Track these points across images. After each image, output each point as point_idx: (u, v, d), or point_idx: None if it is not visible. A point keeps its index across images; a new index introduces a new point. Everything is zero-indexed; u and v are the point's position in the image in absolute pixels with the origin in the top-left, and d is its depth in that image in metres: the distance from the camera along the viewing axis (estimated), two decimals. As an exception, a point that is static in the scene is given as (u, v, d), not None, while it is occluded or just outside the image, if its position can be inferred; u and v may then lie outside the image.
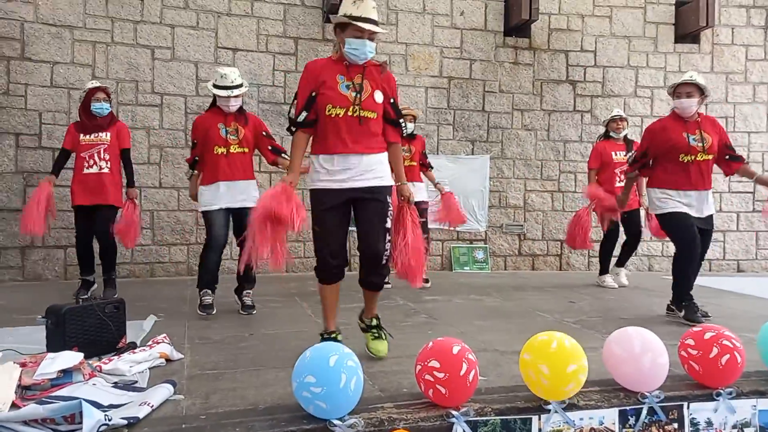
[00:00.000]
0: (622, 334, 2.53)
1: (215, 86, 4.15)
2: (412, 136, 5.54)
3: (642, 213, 5.70)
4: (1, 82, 5.84)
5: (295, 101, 2.95)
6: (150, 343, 3.01)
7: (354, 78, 2.88)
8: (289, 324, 3.90)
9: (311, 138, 2.97)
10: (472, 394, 2.26)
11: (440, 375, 2.17)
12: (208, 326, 3.77)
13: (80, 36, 6.09)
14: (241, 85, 4.18)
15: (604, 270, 6.00)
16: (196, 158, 4.29)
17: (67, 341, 2.78)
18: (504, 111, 7.36)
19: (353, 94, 2.85)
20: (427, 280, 5.53)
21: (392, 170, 3.04)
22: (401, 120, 3.05)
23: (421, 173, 5.67)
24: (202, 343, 3.32)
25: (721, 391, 2.47)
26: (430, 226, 6.37)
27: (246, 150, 4.22)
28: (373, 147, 2.92)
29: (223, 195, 4.13)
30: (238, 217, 4.13)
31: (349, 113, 2.84)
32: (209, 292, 4.19)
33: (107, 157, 4.78)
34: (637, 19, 7.61)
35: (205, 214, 4.21)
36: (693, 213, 4.02)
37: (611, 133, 5.86)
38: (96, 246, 4.88)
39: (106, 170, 4.76)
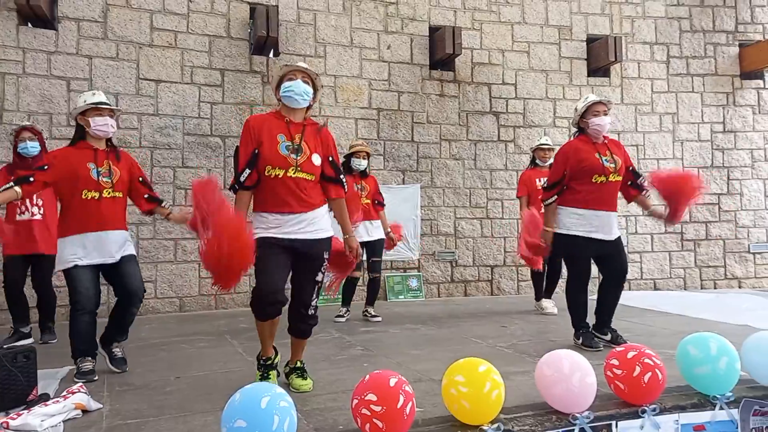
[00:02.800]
0: (552, 357, 2.59)
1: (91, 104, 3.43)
2: (365, 174, 5.48)
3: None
4: None
5: (237, 160, 2.95)
6: (64, 393, 2.78)
7: (294, 137, 2.94)
8: (219, 364, 3.74)
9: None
10: (410, 427, 2.23)
11: (377, 408, 2.13)
12: (130, 371, 3.54)
13: (-11, 67, 5.75)
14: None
15: (539, 295, 6.01)
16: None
17: (-32, 397, 2.53)
18: (432, 141, 7.54)
19: (293, 156, 2.90)
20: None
21: (340, 223, 3.15)
22: (341, 176, 3.11)
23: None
24: (124, 390, 3.11)
25: (646, 408, 2.56)
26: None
27: (120, 195, 3.52)
28: (312, 204, 2.97)
29: (92, 248, 3.39)
30: (116, 272, 3.50)
31: (289, 174, 2.90)
32: (89, 358, 3.43)
33: (40, 202, 4.50)
34: (552, 54, 8.06)
35: (69, 271, 3.37)
36: (601, 236, 3.94)
37: (537, 161, 5.99)
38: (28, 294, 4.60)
39: (38, 216, 4.49)
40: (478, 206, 7.69)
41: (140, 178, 3.66)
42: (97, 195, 3.39)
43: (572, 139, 4.26)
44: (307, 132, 3.00)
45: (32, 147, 4.53)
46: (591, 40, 8.16)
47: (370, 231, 5.37)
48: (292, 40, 6.99)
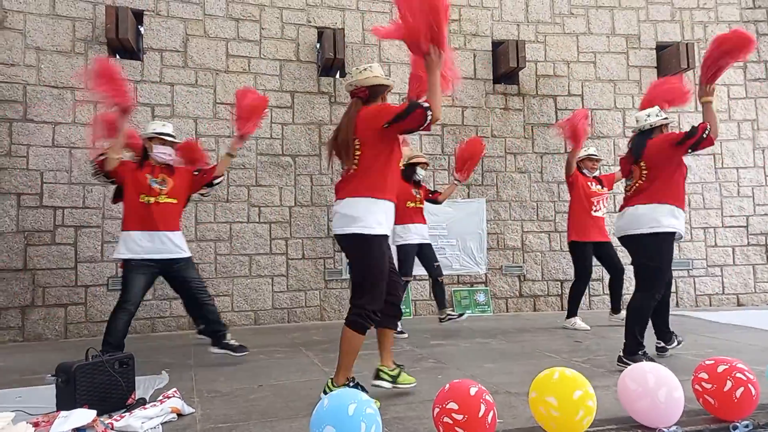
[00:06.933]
0: (636, 369, 2.55)
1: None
2: (419, 184, 5.77)
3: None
4: (4, 144, 5.92)
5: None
6: (161, 397, 2.98)
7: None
8: (297, 374, 3.87)
9: None
10: (492, 437, 2.25)
11: (459, 417, 2.16)
12: (215, 379, 3.74)
13: (82, 97, 6.23)
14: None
15: (571, 312, 5.79)
16: None
17: (77, 399, 2.75)
18: (497, 155, 7.52)
19: None
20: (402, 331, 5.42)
21: None
22: None
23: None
24: (212, 397, 3.28)
25: (738, 424, 2.46)
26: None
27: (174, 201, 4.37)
28: None
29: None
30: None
31: None
32: None
33: None
34: (620, 63, 7.89)
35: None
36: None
37: (584, 171, 5.94)
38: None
39: None
40: (545, 219, 7.58)
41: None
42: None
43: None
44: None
45: None
46: (661, 48, 7.93)
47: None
48: (357, 60, 7.18)
